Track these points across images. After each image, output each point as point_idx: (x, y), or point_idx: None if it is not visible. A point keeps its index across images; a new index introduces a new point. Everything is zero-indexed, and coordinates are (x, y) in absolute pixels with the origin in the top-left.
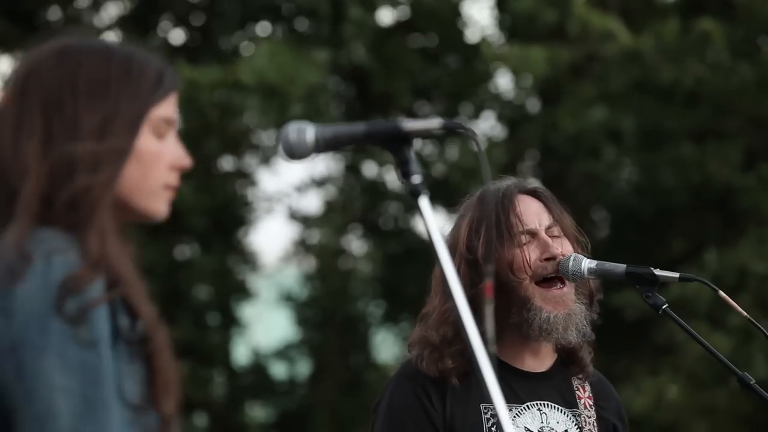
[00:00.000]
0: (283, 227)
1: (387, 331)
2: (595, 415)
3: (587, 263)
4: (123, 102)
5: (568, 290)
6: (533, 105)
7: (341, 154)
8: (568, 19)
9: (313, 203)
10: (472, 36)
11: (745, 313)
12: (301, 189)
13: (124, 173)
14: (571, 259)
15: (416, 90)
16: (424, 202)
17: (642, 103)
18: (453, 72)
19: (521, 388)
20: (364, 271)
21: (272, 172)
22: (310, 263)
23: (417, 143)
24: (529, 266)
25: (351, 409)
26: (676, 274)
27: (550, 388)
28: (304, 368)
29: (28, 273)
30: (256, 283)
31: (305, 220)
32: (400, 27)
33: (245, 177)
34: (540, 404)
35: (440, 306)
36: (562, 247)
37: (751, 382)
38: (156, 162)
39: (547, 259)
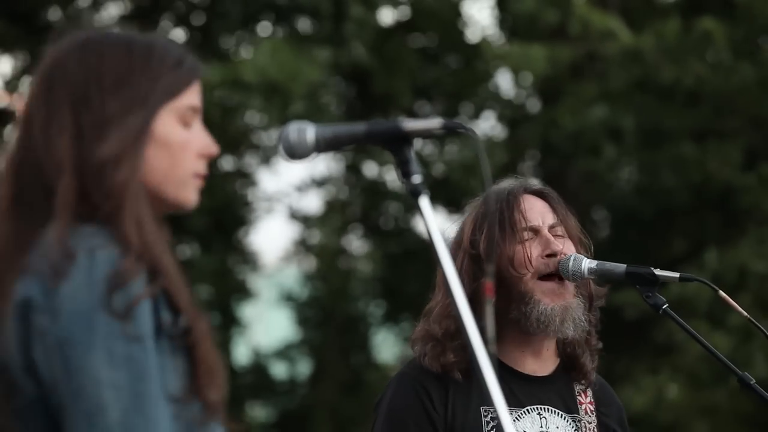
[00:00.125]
0: (283, 227)
1: (387, 331)
2: (596, 421)
3: (587, 263)
4: (147, 93)
5: (567, 284)
6: (533, 105)
7: (342, 154)
8: (569, 19)
9: (313, 203)
10: (472, 36)
11: (745, 313)
12: (301, 189)
13: (153, 163)
14: (572, 259)
15: (417, 90)
16: (424, 202)
17: (642, 102)
18: (453, 72)
19: (521, 392)
20: (364, 271)
21: (272, 172)
22: (311, 263)
23: (417, 143)
24: (530, 262)
25: (351, 409)
26: (677, 274)
27: (551, 392)
28: (304, 368)
29: (72, 270)
30: (257, 283)
31: (305, 220)
32: (400, 27)
33: (245, 177)
34: (540, 408)
35: (443, 300)
36: (564, 247)
37: (751, 382)
38: (184, 151)
39: (548, 256)
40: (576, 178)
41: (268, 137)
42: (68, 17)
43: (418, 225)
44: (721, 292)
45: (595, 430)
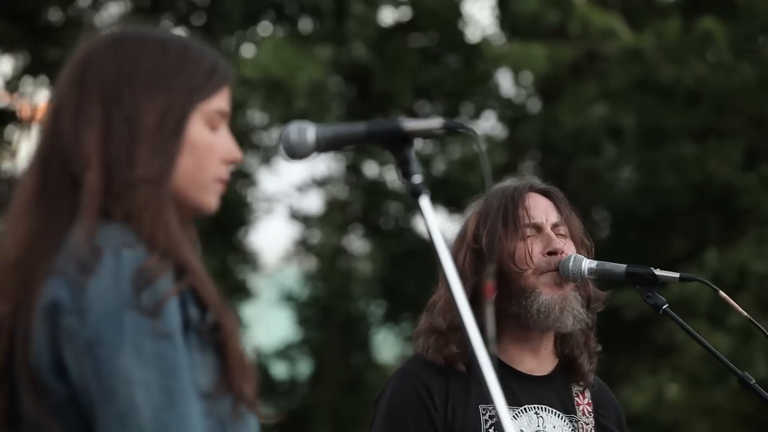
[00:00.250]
0: (283, 227)
1: (387, 331)
2: (593, 422)
3: (587, 263)
4: (179, 93)
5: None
6: (534, 105)
7: (342, 154)
8: (570, 20)
9: (313, 203)
10: (472, 36)
11: (745, 313)
12: (301, 189)
13: (179, 165)
14: (572, 259)
15: (417, 90)
16: (424, 201)
17: (643, 101)
18: (454, 72)
19: (520, 391)
20: (364, 271)
21: (273, 172)
22: (311, 263)
23: (417, 143)
24: (531, 259)
25: (351, 409)
26: (677, 274)
27: (549, 392)
28: (304, 368)
29: (98, 270)
30: (257, 283)
31: (306, 220)
32: (401, 27)
33: (246, 177)
34: (537, 408)
35: (447, 293)
36: (566, 247)
37: (752, 382)
38: (209, 154)
39: (549, 254)
40: (576, 178)
41: (269, 137)
42: (68, 17)
43: (419, 225)
44: (722, 292)
45: (593, 431)
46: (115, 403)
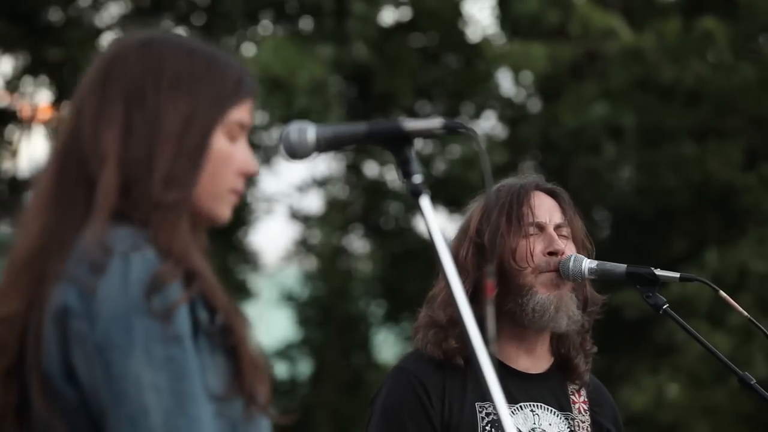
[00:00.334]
0: (284, 227)
1: (388, 330)
2: (589, 420)
3: (588, 263)
4: (204, 101)
5: (565, 281)
6: (534, 104)
7: (342, 154)
8: (570, 20)
9: (314, 203)
10: (473, 35)
11: (745, 313)
12: (302, 189)
13: None
14: (572, 259)
15: (417, 89)
16: (425, 201)
17: (643, 101)
18: (454, 71)
19: (515, 388)
20: (364, 271)
21: (273, 171)
22: (311, 263)
23: (418, 143)
24: (532, 257)
25: (352, 409)
26: (677, 274)
27: (545, 390)
28: (304, 368)
29: (107, 273)
30: (257, 282)
31: (306, 220)
32: (401, 27)
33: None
34: (533, 405)
35: (447, 287)
36: (567, 248)
37: (752, 382)
38: (226, 165)
39: (550, 254)
40: (576, 178)
41: (269, 137)
42: (69, 17)
43: (419, 225)
44: (722, 292)
45: (589, 428)
46: (126, 407)
